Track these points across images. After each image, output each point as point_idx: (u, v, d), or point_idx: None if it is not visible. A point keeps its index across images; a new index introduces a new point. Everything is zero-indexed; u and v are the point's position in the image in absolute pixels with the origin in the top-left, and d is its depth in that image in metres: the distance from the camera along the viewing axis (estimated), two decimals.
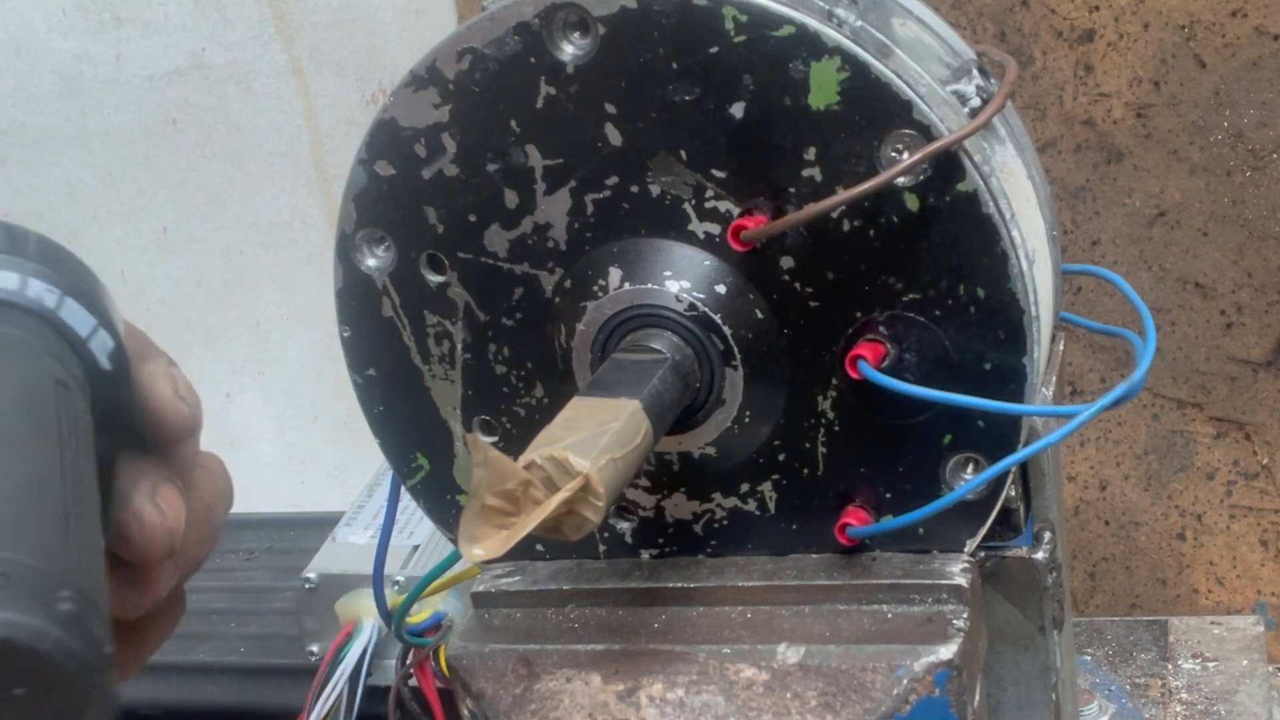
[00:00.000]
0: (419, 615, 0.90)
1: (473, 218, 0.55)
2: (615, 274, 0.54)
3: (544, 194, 0.54)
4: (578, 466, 0.46)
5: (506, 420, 0.58)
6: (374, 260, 0.57)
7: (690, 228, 0.53)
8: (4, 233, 0.45)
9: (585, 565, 0.59)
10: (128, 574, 0.44)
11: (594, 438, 0.47)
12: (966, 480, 0.53)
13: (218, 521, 0.48)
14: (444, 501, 0.61)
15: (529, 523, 0.45)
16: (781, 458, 0.55)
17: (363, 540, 1.01)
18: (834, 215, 0.51)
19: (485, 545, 0.46)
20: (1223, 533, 1.12)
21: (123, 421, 0.45)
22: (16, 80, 1.40)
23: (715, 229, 0.52)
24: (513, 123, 0.53)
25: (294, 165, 1.36)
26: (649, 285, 0.53)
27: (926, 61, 0.53)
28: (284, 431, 1.46)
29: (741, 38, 0.49)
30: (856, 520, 0.55)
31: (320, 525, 1.05)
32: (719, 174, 0.52)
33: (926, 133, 0.49)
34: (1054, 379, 0.61)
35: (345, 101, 1.32)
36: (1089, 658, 1.01)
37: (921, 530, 0.54)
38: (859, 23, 0.51)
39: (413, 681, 0.91)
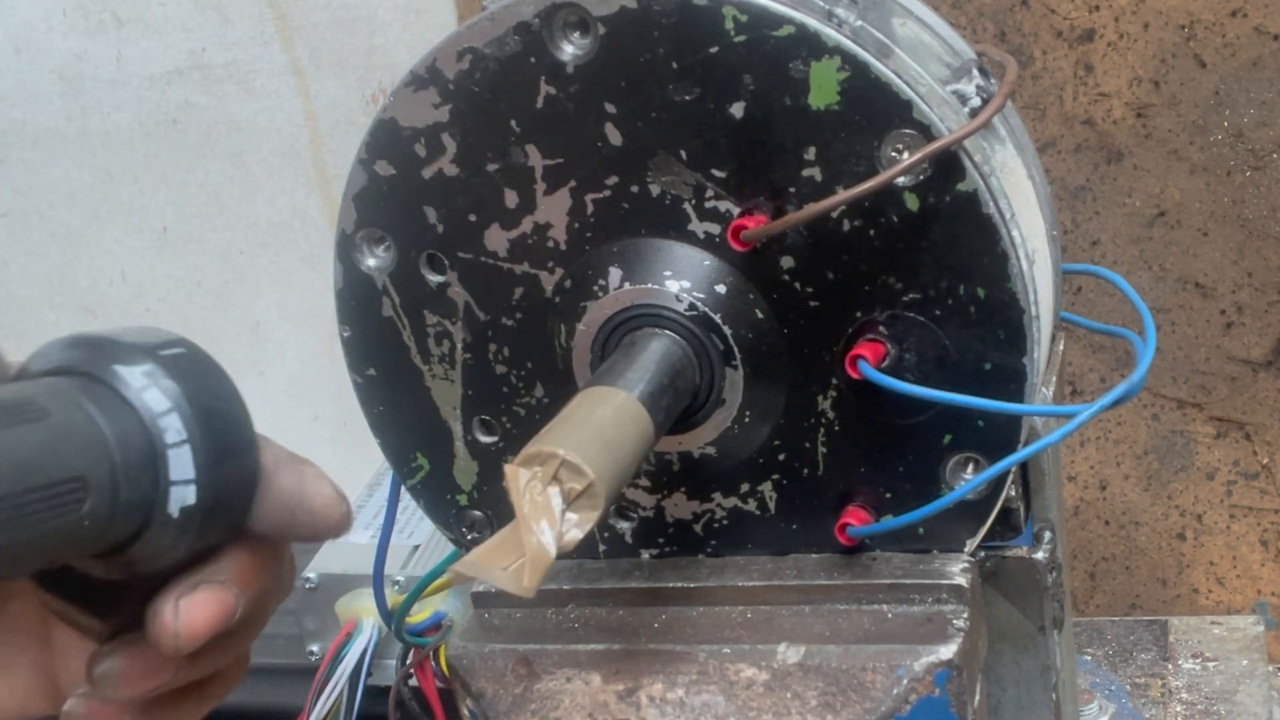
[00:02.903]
0: (419, 615, 0.90)
1: (473, 217, 0.55)
2: (615, 274, 0.54)
3: (544, 194, 0.54)
4: (577, 464, 0.46)
5: (506, 420, 0.58)
6: (374, 260, 0.57)
7: (690, 227, 0.53)
8: (166, 351, 0.46)
9: (585, 565, 0.59)
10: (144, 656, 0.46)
11: (594, 436, 0.47)
12: (966, 480, 0.53)
13: (269, 610, 0.50)
14: (444, 501, 0.61)
15: (546, 538, 0.45)
16: (781, 458, 0.55)
17: (363, 540, 1.01)
18: (834, 215, 0.51)
19: (528, 576, 0.45)
20: (1223, 533, 1.12)
21: (223, 512, 0.46)
22: (16, 80, 1.40)
23: (715, 229, 0.52)
24: (513, 123, 0.53)
25: (294, 165, 1.36)
26: (649, 285, 0.53)
27: (926, 61, 0.53)
28: (284, 431, 1.44)
29: (741, 37, 0.49)
30: (856, 520, 0.55)
31: None
32: (719, 174, 0.52)
33: (926, 132, 0.49)
34: (1054, 379, 0.61)
35: (345, 101, 1.32)
36: (1089, 658, 1.01)
37: (921, 530, 0.54)
38: (859, 22, 0.51)
39: (413, 681, 0.91)
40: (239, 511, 0.47)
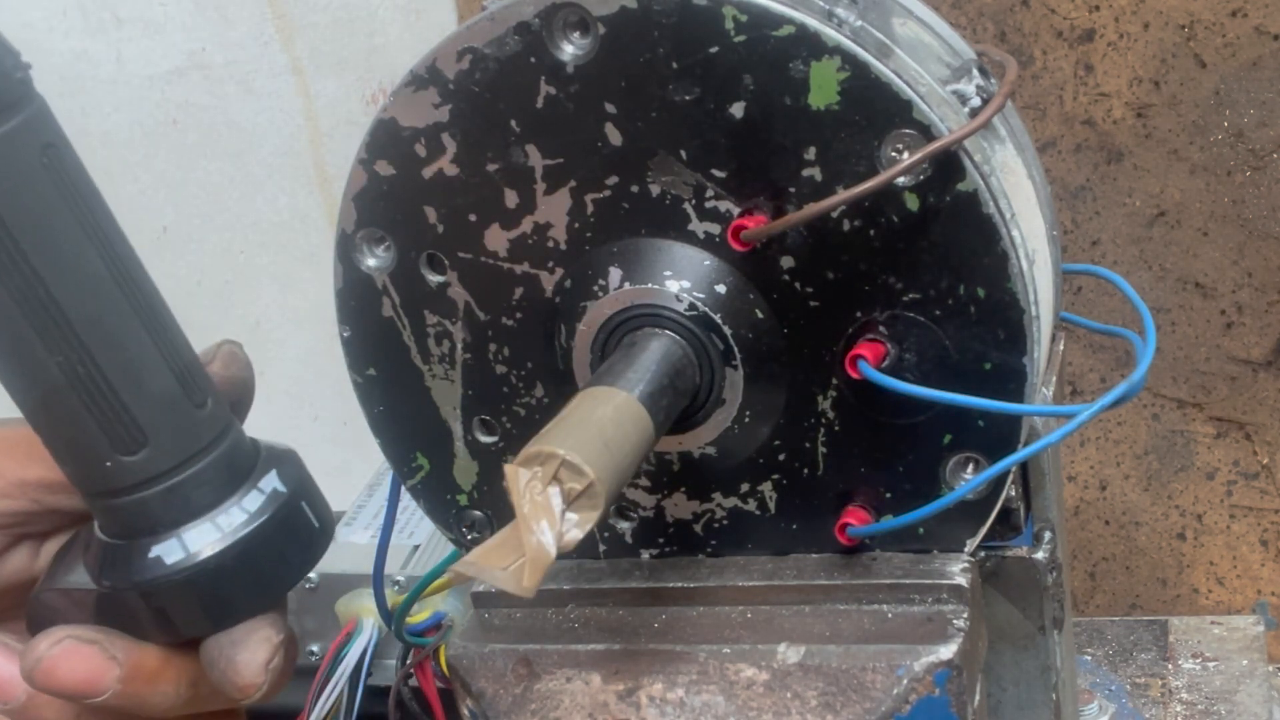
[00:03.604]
0: (419, 615, 0.90)
1: (473, 217, 0.55)
2: (615, 274, 0.54)
3: (544, 194, 0.54)
4: (577, 464, 0.46)
5: (506, 420, 0.58)
6: (374, 260, 0.57)
7: (690, 227, 0.53)
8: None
9: (585, 565, 0.59)
10: None
11: (594, 436, 0.47)
12: (966, 480, 0.53)
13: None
14: (444, 501, 0.61)
15: (546, 538, 0.45)
16: (781, 457, 0.55)
17: (363, 540, 1.01)
18: (834, 215, 0.51)
19: (528, 576, 0.45)
20: (1223, 533, 1.12)
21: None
22: None
23: (715, 229, 0.52)
24: (513, 123, 0.53)
25: (294, 165, 1.36)
26: (649, 285, 0.53)
27: (926, 61, 0.53)
28: (284, 431, 1.45)
29: (741, 37, 0.49)
30: (857, 520, 0.55)
31: None
32: (719, 174, 0.52)
33: (926, 132, 0.49)
34: (1054, 379, 0.61)
35: (345, 101, 1.32)
36: (1089, 658, 1.01)
37: (921, 530, 0.54)
38: (859, 22, 0.51)
39: (413, 681, 0.91)
40: (183, 628, 0.48)
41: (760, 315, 0.53)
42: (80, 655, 0.46)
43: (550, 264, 0.55)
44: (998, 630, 0.57)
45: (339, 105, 1.33)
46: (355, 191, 0.56)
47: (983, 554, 0.55)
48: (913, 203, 0.50)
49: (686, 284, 0.53)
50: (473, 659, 0.56)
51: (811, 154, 0.50)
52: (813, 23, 0.49)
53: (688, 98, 0.51)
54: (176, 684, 0.48)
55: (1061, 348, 0.64)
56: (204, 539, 0.46)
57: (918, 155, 0.48)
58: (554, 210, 0.54)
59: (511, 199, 0.54)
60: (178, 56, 1.35)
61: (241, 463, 0.49)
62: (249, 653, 0.48)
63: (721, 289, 0.53)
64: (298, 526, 0.49)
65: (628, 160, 0.52)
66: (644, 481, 0.57)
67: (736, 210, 0.52)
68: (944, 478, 0.53)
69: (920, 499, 0.53)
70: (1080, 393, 1.13)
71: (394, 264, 0.57)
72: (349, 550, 1.00)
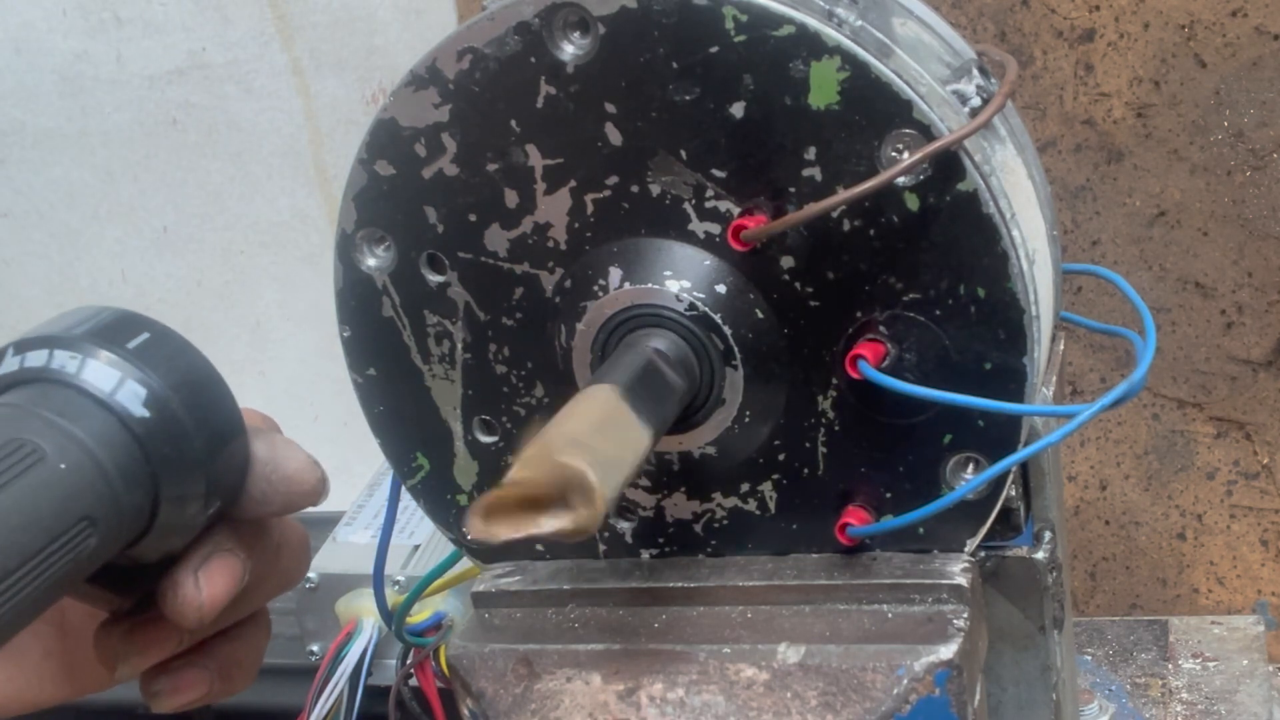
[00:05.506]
0: (419, 615, 0.91)
1: (473, 217, 0.55)
2: (615, 274, 0.54)
3: (544, 194, 0.54)
4: (577, 464, 0.46)
5: (506, 420, 0.58)
6: (374, 260, 0.57)
7: (690, 227, 0.53)
8: (82, 322, 0.45)
9: (585, 565, 0.59)
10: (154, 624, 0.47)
11: (594, 436, 0.47)
12: (967, 480, 0.53)
13: (289, 579, 0.52)
14: (444, 501, 0.61)
15: (541, 526, 0.45)
16: (781, 457, 0.55)
17: (363, 540, 1.01)
18: (834, 215, 0.51)
19: (494, 527, 0.45)
20: (1223, 532, 1.12)
21: (221, 490, 0.46)
22: (16, 80, 1.40)
23: (715, 229, 0.52)
24: (513, 122, 0.53)
25: (294, 165, 1.36)
26: (649, 285, 0.53)
27: (927, 61, 0.53)
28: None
29: (742, 37, 0.49)
30: (857, 520, 0.55)
31: (320, 525, 1.05)
32: (719, 174, 0.52)
33: (927, 132, 0.49)
34: (1054, 379, 0.61)
35: (345, 101, 1.32)
36: (1089, 657, 1.01)
37: (922, 530, 0.54)
38: (859, 22, 0.51)
39: (413, 681, 0.91)
40: (234, 491, 0.47)
41: (760, 315, 0.53)
42: (218, 569, 0.46)
43: (550, 264, 0.55)
44: (998, 630, 0.57)
45: (339, 105, 1.33)
46: (355, 191, 0.56)
47: (983, 554, 0.55)
48: (913, 203, 0.50)
49: (686, 284, 0.53)
50: (473, 659, 0.56)
51: (811, 154, 0.50)
52: (813, 23, 0.49)
53: (688, 98, 0.51)
54: (264, 533, 0.49)
55: (1061, 348, 0.64)
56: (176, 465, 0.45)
57: (918, 155, 0.48)
58: (554, 210, 0.54)
59: (511, 199, 0.54)
60: (178, 56, 1.35)
61: None
62: (292, 460, 0.48)
63: (721, 289, 0.53)
64: None
65: (628, 160, 0.52)
66: (644, 481, 0.57)
67: (736, 210, 0.52)
68: (944, 478, 0.53)
69: (920, 499, 0.53)
70: (1080, 393, 1.13)
71: (394, 264, 0.57)
72: (349, 550, 1.00)
